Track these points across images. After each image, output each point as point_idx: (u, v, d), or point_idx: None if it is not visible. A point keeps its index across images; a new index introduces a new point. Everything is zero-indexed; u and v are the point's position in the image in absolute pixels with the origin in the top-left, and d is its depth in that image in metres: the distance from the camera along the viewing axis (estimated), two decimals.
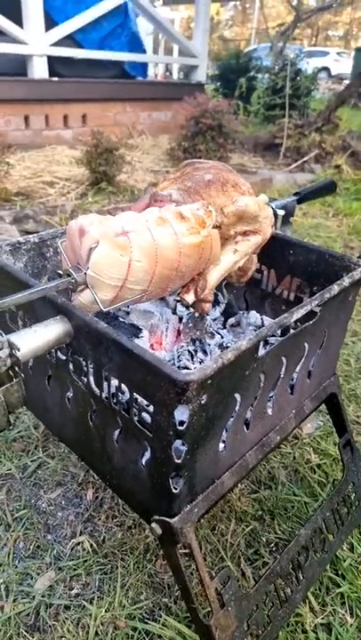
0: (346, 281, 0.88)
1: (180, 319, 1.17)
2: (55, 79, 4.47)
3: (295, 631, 0.94)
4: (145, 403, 0.70)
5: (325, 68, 15.81)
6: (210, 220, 0.86)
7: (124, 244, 0.75)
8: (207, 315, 0.99)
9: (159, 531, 0.74)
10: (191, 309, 1.16)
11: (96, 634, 0.93)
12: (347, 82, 9.48)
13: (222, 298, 1.25)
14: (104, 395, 0.77)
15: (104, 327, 0.69)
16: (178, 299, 0.93)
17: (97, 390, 0.78)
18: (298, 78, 5.73)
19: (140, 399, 0.71)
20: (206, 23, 5.73)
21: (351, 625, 0.96)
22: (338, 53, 18.06)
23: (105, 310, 0.76)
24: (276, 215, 1.10)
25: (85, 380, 0.79)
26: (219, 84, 7.34)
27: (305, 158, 4.53)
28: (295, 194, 1.16)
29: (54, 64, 4.53)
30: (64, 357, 0.82)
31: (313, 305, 0.82)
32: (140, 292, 0.79)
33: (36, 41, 4.25)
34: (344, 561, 1.06)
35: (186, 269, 0.84)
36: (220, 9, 28.37)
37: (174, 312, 1.19)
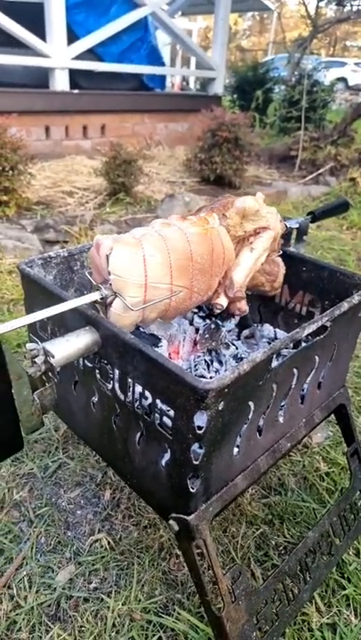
0: (356, 298, 0.94)
1: (197, 330, 1.23)
2: (76, 91, 4.61)
3: (302, 629, 0.99)
4: (166, 408, 0.77)
5: (343, 79, 15.86)
6: (211, 218, 0.93)
7: (135, 243, 0.84)
8: (245, 313, 1.02)
9: (176, 527, 0.80)
10: (207, 321, 1.23)
11: (113, 625, 0.99)
12: None
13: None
14: (128, 400, 0.83)
15: (131, 338, 0.76)
16: (202, 315, 1.00)
17: (121, 395, 0.84)
18: (315, 89, 5.80)
19: (161, 404, 0.77)
20: (225, 37, 5.84)
21: (355, 625, 1.00)
22: (356, 64, 18.08)
23: (135, 310, 0.82)
24: (287, 228, 1.16)
25: (111, 385, 0.86)
26: (235, 95, 7.43)
27: (320, 171, 4.59)
28: (309, 213, 1.22)
29: (75, 76, 4.67)
30: (91, 365, 0.89)
31: (324, 320, 0.88)
32: (166, 289, 0.84)
33: (59, 54, 4.39)
34: (350, 565, 1.11)
35: (202, 260, 0.88)
36: (239, 19, 28.66)
37: (191, 323, 1.26)
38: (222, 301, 0.95)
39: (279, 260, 1.10)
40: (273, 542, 1.18)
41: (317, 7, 7.33)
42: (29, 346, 0.76)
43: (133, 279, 0.81)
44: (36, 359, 0.75)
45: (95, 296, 0.81)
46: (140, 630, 0.98)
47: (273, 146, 5.44)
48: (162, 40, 7.29)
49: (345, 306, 0.91)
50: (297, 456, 1.44)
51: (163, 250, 0.85)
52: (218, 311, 0.98)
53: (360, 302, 0.96)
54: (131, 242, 0.83)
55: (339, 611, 1.03)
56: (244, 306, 1.00)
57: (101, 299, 0.81)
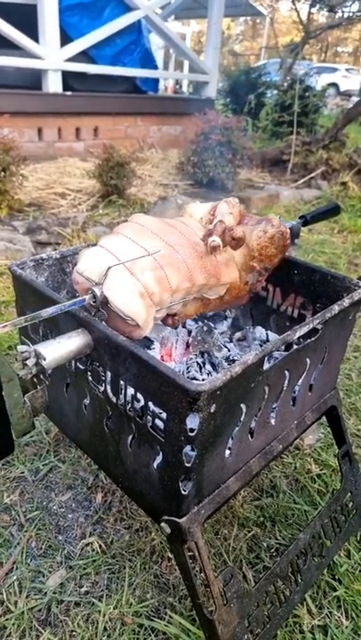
0: (346, 301, 0.94)
1: (189, 332, 1.24)
2: (69, 93, 4.60)
3: (293, 631, 0.99)
4: (158, 410, 0.77)
5: (334, 84, 16.00)
6: None
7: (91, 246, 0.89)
8: (242, 235, 0.93)
9: (168, 530, 0.80)
10: (200, 323, 1.23)
11: (104, 629, 0.98)
12: (355, 99, 9.61)
13: (230, 313, 1.32)
14: (120, 402, 0.83)
15: (123, 340, 0.76)
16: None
17: (113, 398, 0.84)
18: (307, 94, 5.84)
19: (153, 407, 0.77)
20: (218, 41, 5.87)
21: (346, 627, 1.01)
22: (347, 70, 18.25)
23: (121, 264, 0.82)
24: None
25: (102, 388, 0.86)
26: (228, 99, 7.47)
27: (312, 175, 4.62)
28: (301, 217, 1.23)
29: (68, 78, 4.66)
30: (83, 367, 0.89)
31: (315, 323, 0.88)
32: (140, 252, 0.84)
33: (52, 56, 4.38)
34: (341, 566, 1.11)
35: (153, 223, 0.91)
36: (231, 24, 28.80)
37: (184, 325, 1.26)
38: (214, 238, 0.90)
39: (266, 218, 1.03)
40: (265, 544, 1.18)
41: (309, 13, 7.40)
42: (21, 348, 0.75)
43: (103, 259, 0.82)
44: (27, 361, 0.75)
45: (87, 297, 0.81)
46: (132, 634, 0.98)
47: (265, 150, 5.46)
48: (155, 43, 7.31)
49: (336, 309, 0.92)
50: (289, 458, 1.44)
51: (113, 233, 0.89)
52: (215, 247, 0.90)
53: (351, 305, 0.96)
54: (86, 246, 0.91)
55: (330, 612, 1.03)
56: (231, 227, 0.92)
57: (94, 300, 0.81)
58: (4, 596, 1.03)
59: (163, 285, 0.83)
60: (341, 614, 1.03)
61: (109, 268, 0.79)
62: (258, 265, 0.98)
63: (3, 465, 1.35)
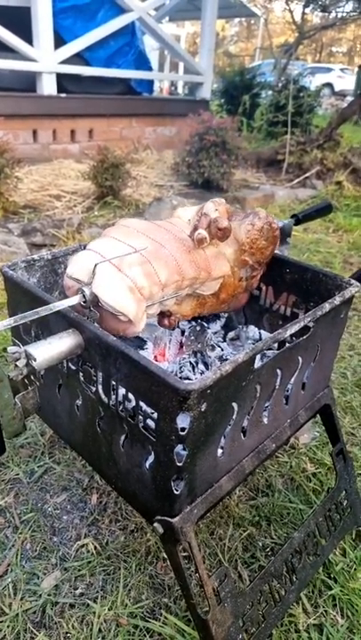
0: (337, 299, 0.94)
1: (183, 332, 1.23)
2: (63, 95, 4.61)
3: (289, 631, 0.99)
4: (149, 410, 0.76)
5: (329, 84, 16.05)
6: None
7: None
8: (227, 226, 0.92)
9: (161, 530, 0.80)
10: (193, 323, 1.23)
11: (99, 630, 0.98)
12: (349, 98, 9.64)
13: (223, 312, 1.32)
14: (112, 402, 0.83)
15: (113, 340, 0.76)
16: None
17: (105, 398, 0.84)
18: (301, 94, 5.86)
19: (144, 406, 0.77)
20: (212, 42, 5.88)
21: (342, 625, 1.00)
22: (341, 70, 18.29)
23: (107, 260, 0.82)
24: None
25: (94, 388, 0.85)
26: (223, 100, 7.48)
27: (307, 174, 4.63)
28: (293, 216, 1.23)
29: (62, 81, 4.67)
30: (74, 367, 0.89)
31: (306, 321, 0.88)
32: (127, 250, 0.84)
33: (46, 59, 4.38)
34: (336, 565, 1.11)
35: (138, 224, 0.92)
36: (226, 25, 28.85)
37: (177, 325, 1.26)
38: (200, 231, 0.90)
39: (252, 217, 1.03)
40: (260, 544, 1.17)
41: (303, 14, 7.42)
42: (11, 349, 0.75)
43: (91, 260, 0.82)
44: (17, 362, 0.74)
45: (77, 297, 0.81)
46: (127, 635, 0.97)
47: (260, 150, 5.48)
48: (149, 45, 7.32)
49: (327, 307, 0.92)
50: (284, 457, 1.44)
51: (101, 237, 0.90)
52: (201, 239, 0.90)
53: (342, 303, 0.96)
54: (78, 246, 0.92)
55: (325, 611, 1.03)
56: (218, 219, 0.91)
57: (84, 300, 0.81)
58: None
59: (152, 279, 0.83)
60: (337, 613, 1.03)
61: (96, 266, 0.79)
62: (250, 259, 0.98)
63: None
